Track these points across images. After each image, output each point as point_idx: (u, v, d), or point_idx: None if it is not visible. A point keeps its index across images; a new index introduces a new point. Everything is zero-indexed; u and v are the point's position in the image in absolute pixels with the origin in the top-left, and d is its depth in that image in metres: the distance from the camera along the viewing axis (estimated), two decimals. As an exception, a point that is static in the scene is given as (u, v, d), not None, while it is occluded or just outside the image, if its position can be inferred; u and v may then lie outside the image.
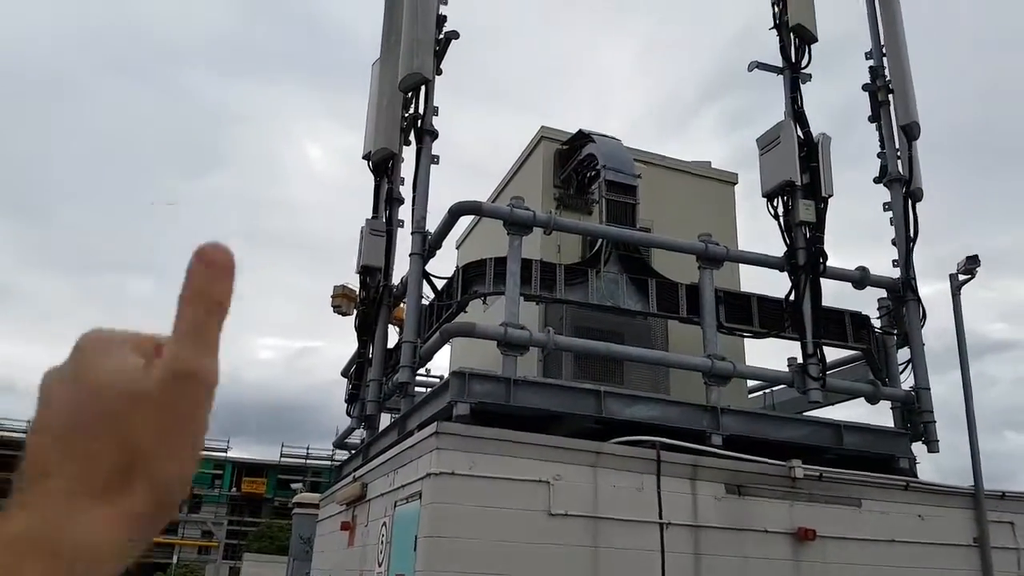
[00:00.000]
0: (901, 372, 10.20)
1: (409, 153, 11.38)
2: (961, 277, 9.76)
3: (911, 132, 11.08)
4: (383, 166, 12.12)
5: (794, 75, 10.56)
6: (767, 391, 13.38)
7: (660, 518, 7.58)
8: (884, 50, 11.57)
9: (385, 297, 11.60)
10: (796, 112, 10.35)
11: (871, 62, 11.67)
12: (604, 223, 10.13)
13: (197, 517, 60.34)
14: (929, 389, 9.97)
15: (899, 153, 11.08)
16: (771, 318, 9.75)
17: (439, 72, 10.50)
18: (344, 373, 13.67)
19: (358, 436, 13.98)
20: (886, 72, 11.46)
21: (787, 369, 9.96)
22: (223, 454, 62.51)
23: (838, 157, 10.36)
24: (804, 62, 10.65)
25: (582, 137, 11.78)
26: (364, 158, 12.45)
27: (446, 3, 10.73)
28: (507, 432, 7.52)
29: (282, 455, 62.10)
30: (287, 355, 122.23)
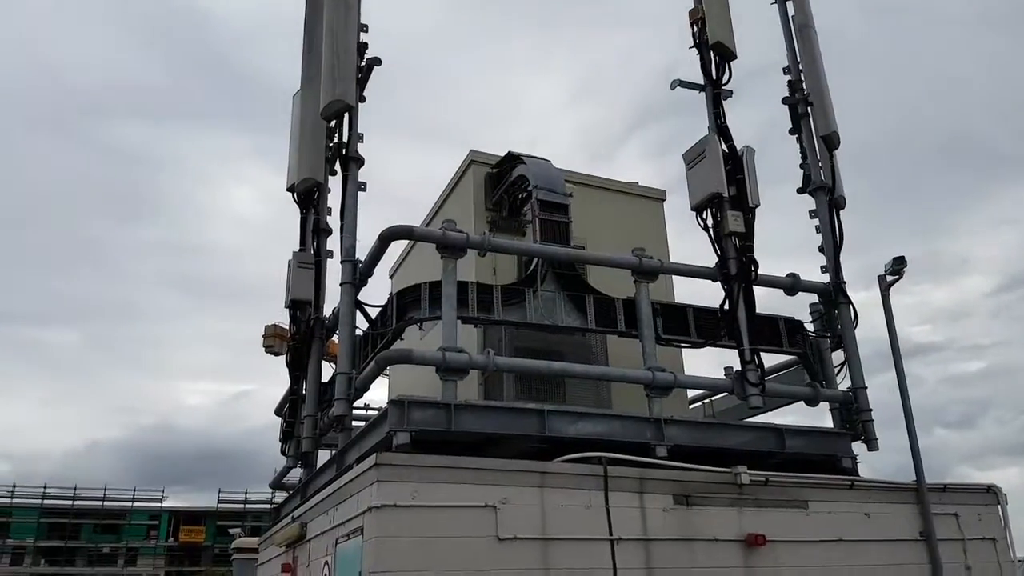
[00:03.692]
0: (837, 374, 10.38)
1: (335, 184, 11.11)
2: (889, 277, 10.01)
3: (831, 142, 11.40)
4: (308, 197, 11.83)
5: (716, 91, 10.70)
6: (706, 401, 13.45)
7: (610, 534, 7.42)
8: (801, 64, 11.93)
9: (317, 330, 11.25)
10: (720, 127, 10.49)
11: (789, 77, 12.00)
12: (538, 242, 10.08)
13: (133, 571, 57.64)
14: (866, 388, 10.14)
15: (820, 163, 11.38)
16: (707, 328, 9.79)
17: (362, 99, 10.32)
18: (278, 411, 13.20)
19: (296, 476, 13.47)
20: (804, 85, 11.80)
21: (726, 377, 9.99)
22: (158, 504, 60.22)
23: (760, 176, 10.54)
24: (725, 79, 10.81)
25: (512, 159, 11.75)
26: (288, 190, 12.12)
27: (366, 31, 10.60)
28: (449, 458, 7.30)
29: (220, 501, 60.09)
30: (221, 400, 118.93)
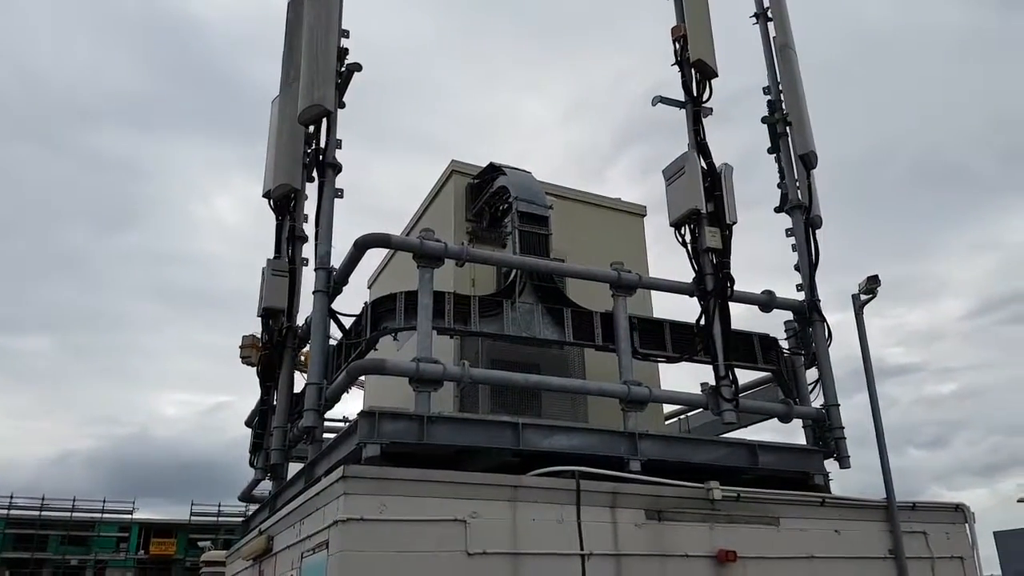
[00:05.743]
0: (810, 392, 10.39)
1: (313, 191, 11.00)
2: (863, 297, 10.06)
3: (809, 162, 11.47)
4: (284, 203, 11.70)
5: (696, 109, 10.74)
6: (682, 417, 13.44)
7: (581, 549, 7.34)
8: (780, 84, 12.01)
9: (289, 339, 11.09)
10: (699, 144, 10.51)
11: (769, 97, 12.08)
12: (518, 254, 10.02)
13: (100, 584, 56.41)
14: (839, 406, 10.18)
15: (798, 182, 11.44)
16: (683, 343, 9.78)
17: (342, 105, 10.23)
18: (248, 423, 13.00)
19: (267, 488, 13.25)
20: (783, 105, 11.88)
21: (701, 392, 9.96)
22: (128, 516, 59.00)
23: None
24: (706, 96, 10.84)
25: (493, 170, 11.71)
26: (264, 196, 11.98)
27: (347, 36, 10.54)
28: (418, 471, 7.18)
29: (192, 513, 59.01)
30: (198, 411, 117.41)
